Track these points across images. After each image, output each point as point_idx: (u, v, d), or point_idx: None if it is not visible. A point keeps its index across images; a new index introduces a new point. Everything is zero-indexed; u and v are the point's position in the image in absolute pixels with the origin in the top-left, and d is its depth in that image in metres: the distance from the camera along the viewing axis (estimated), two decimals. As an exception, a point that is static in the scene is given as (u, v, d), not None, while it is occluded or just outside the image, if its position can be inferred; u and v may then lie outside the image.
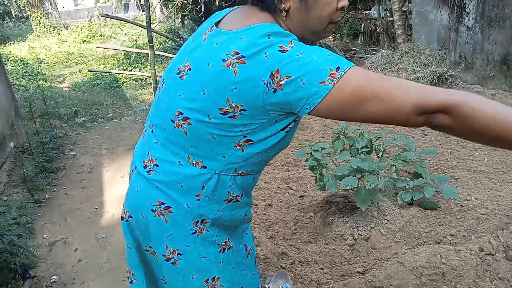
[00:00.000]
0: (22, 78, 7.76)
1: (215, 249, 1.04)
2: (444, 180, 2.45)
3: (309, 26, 0.92)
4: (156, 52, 6.71)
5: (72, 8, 21.48)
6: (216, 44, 0.87)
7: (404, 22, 6.02)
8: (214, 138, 0.91)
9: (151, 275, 1.14)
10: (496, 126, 0.72)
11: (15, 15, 18.58)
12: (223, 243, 1.05)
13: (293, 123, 0.93)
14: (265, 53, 0.81)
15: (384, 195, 2.46)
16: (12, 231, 2.01)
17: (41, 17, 15.16)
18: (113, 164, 3.98)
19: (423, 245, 2.12)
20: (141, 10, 18.47)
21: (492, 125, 0.72)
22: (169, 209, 1.00)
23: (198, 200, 0.98)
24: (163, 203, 0.99)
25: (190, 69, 0.91)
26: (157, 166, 1.00)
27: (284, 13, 0.90)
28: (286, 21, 0.92)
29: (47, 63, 9.80)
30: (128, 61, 8.75)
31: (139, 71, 7.88)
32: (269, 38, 0.83)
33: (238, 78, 0.83)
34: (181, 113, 0.92)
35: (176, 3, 7.64)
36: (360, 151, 2.32)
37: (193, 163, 0.96)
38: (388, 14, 6.67)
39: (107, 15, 5.83)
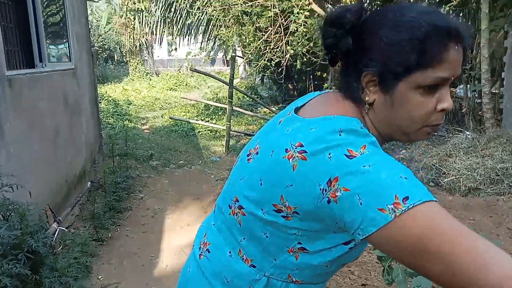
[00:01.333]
0: (111, 116, 8.50)
1: None
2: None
3: (396, 125, 0.77)
4: (234, 108, 7.00)
5: (165, 57, 23.65)
6: (287, 130, 0.78)
7: (494, 106, 5.66)
8: (267, 237, 0.80)
9: None
10: None
11: (116, 60, 20.89)
12: None
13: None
14: (329, 154, 0.69)
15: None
16: (71, 272, 2.05)
17: (137, 63, 16.86)
18: (176, 212, 4.05)
19: None
20: (226, 65, 19.74)
21: None
22: None
23: None
24: None
25: (257, 153, 0.82)
26: (209, 252, 0.92)
27: (367, 106, 0.78)
28: (370, 115, 0.79)
29: (135, 105, 10.69)
30: (207, 112, 9.23)
31: (215, 123, 8.23)
32: (340, 135, 0.71)
33: (295, 175, 0.71)
34: (237, 200, 0.84)
35: (259, 64, 8.01)
36: (437, 248, 2.09)
37: (243, 259, 0.85)
38: (476, 95, 6.35)
39: (195, 69, 6.26)
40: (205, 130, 7.97)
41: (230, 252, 0.87)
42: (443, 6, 7.57)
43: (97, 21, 22.31)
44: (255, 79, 13.35)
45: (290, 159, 0.72)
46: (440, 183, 4.83)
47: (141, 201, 4.30)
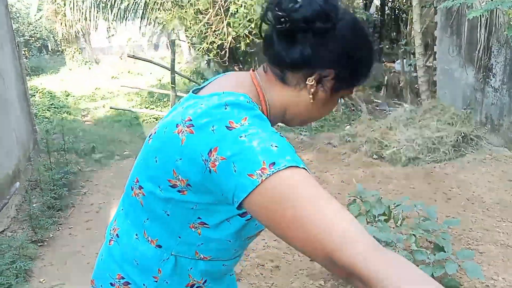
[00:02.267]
0: (47, 110, 7.98)
1: None
2: (469, 256, 2.24)
3: (308, 115, 0.86)
4: (179, 94, 6.82)
5: (105, 45, 22.45)
6: (182, 108, 0.80)
7: (428, 78, 5.96)
8: (168, 215, 0.82)
9: None
10: None
11: (51, 49, 19.56)
12: None
13: None
14: (212, 126, 0.72)
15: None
16: (4, 278, 1.91)
17: (74, 52, 15.91)
18: (122, 205, 3.91)
19: (444, 331, 1.90)
20: (170, 50, 19.15)
21: None
22: (128, 285, 0.91)
23: (156, 282, 0.88)
24: (123, 278, 0.91)
25: (155, 132, 0.83)
26: (118, 236, 0.92)
27: (310, 96, 0.81)
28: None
29: (74, 96, 10.10)
30: (151, 99, 8.93)
31: (161, 110, 8.00)
32: (225, 109, 0.73)
33: (183, 148, 0.73)
34: (138, 181, 0.85)
35: (202, 47, 7.84)
36: (377, 218, 2.17)
37: (148, 240, 0.86)
38: (412, 69, 6.64)
39: (133, 55, 5.99)
40: (150, 118, 7.71)
41: (136, 234, 0.88)
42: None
43: (26, 8, 20.67)
44: (200, 63, 13.07)
45: (180, 133, 0.75)
46: (383, 156, 5.03)
47: (84, 196, 4.09)
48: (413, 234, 2.29)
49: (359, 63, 0.81)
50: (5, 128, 3.92)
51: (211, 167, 0.70)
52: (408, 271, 0.56)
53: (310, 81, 0.79)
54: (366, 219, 2.20)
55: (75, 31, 14.61)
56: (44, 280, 2.72)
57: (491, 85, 4.77)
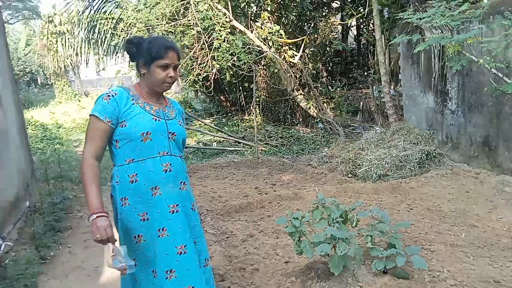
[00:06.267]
0: (40, 141, 8.31)
1: None
2: (416, 251, 2.65)
3: (152, 83, 1.93)
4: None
5: (94, 77, 22.95)
6: None
7: (396, 103, 6.52)
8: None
9: None
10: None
11: (40, 83, 19.97)
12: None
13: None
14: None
15: (362, 264, 2.66)
16: (20, 282, 2.24)
17: (64, 85, 16.34)
18: (116, 226, 4.23)
19: (392, 311, 2.28)
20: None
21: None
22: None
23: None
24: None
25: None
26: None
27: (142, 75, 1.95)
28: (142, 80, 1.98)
29: (65, 128, 10.45)
30: (141, 129, 9.31)
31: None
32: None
33: None
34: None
35: (189, 78, 8.35)
36: (335, 221, 2.58)
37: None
38: (382, 95, 7.22)
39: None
40: (141, 147, 8.07)
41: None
42: (349, 19, 8.45)
43: (14, 43, 21.17)
44: (187, 93, 13.59)
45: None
46: (356, 174, 5.49)
47: (81, 219, 4.42)
48: (370, 235, 2.70)
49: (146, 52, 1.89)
50: (6, 158, 4.27)
51: None
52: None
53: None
54: (328, 222, 2.61)
55: (64, 65, 15.10)
56: (48, 291, 3.03)
57: (448, 108, 5.33)
